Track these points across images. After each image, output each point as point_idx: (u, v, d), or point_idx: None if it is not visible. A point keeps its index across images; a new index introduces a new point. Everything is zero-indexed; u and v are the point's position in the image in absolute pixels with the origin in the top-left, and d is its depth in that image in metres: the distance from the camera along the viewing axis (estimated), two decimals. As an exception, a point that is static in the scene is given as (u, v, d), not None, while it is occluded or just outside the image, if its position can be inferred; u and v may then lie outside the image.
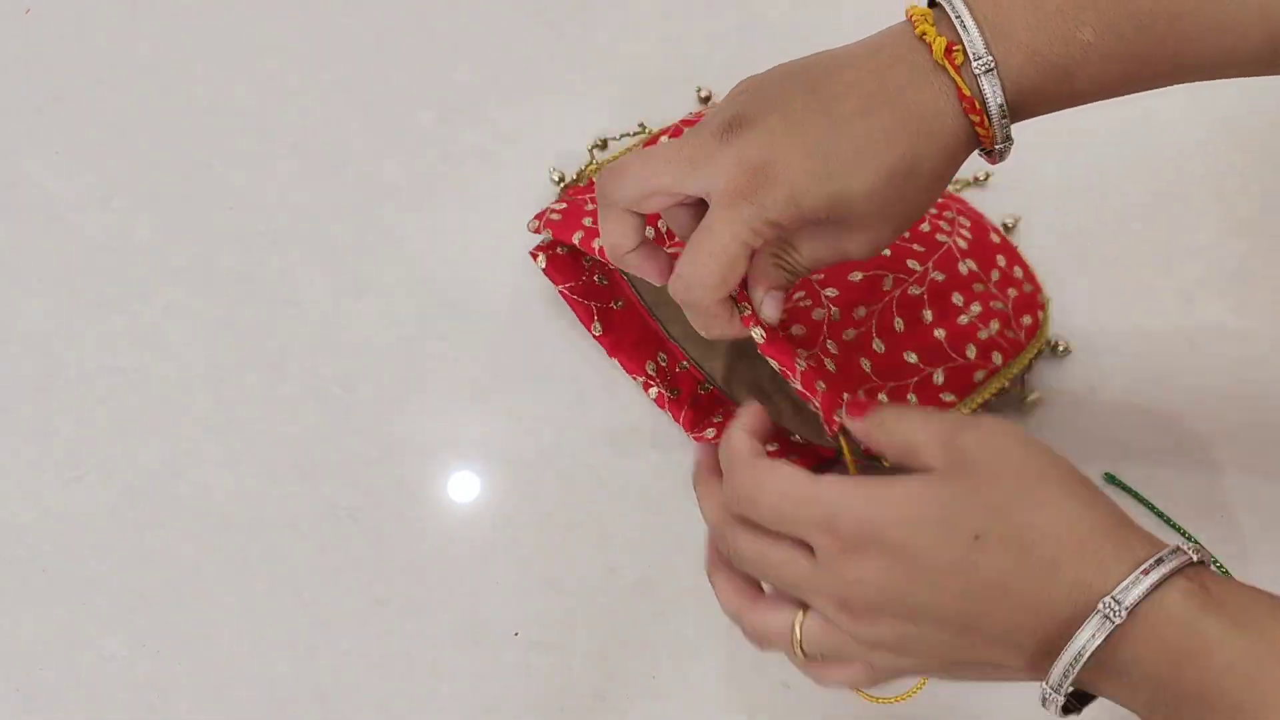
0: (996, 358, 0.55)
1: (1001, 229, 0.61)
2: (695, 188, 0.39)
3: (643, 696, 0.51)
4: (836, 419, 0.42)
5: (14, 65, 0.66)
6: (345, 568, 0.53)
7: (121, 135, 0.64)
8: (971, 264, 0.56)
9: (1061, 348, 0.58)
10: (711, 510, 0.42)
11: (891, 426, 0.39)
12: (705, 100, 0.65)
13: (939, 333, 0.54)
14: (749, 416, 0.41)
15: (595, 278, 0.57)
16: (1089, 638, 0.34)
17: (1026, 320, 0.57)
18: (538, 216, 0.56)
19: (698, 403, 0.56)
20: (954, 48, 0.39)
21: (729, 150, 0.39)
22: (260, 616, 0.52)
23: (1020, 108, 0.40)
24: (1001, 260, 0.58)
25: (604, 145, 0.64)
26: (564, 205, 0.56)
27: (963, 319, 0.55)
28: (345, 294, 0.60)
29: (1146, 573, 0.34)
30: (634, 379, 0.57)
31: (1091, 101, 0.41)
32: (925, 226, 0.56)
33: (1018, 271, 0.58)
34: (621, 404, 0.57)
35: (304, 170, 0.64)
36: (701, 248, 0.39)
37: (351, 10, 0.69)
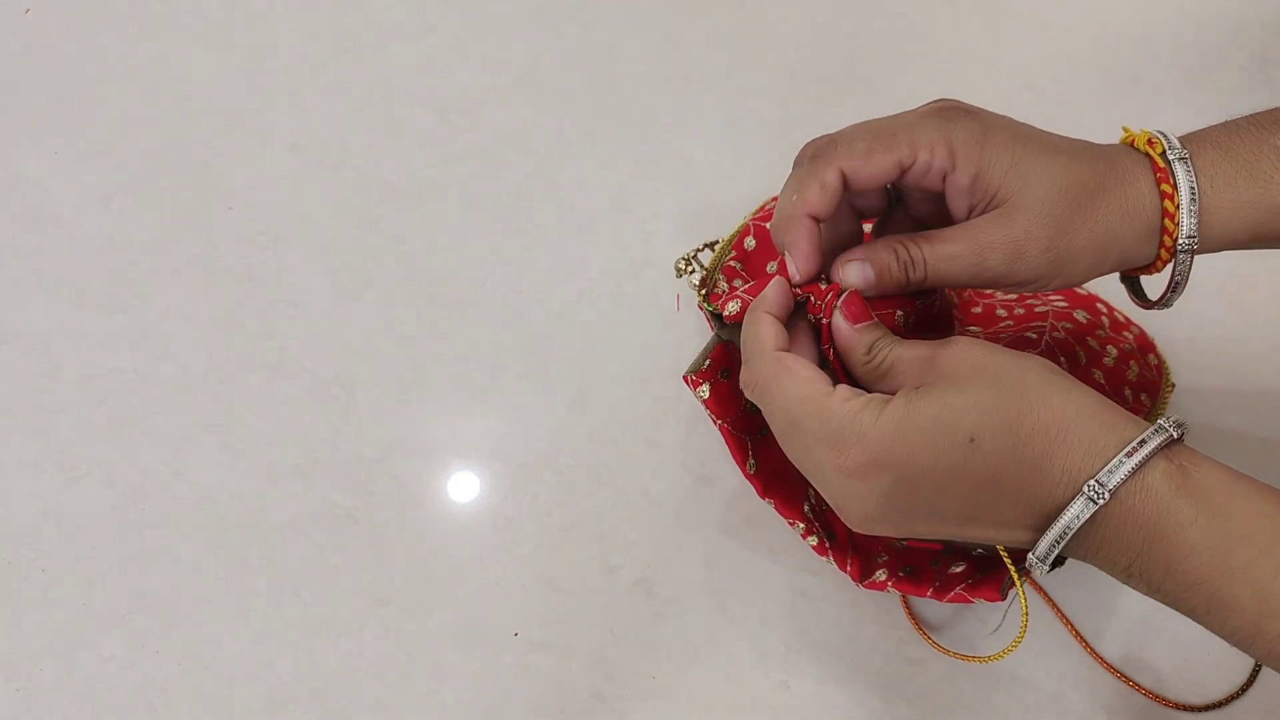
0: (1145, 399, 0.54)
1: None
2: (904, 137, 0.41)
3: (643, 696, 0.51)
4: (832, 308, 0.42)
5: (14, 65, 0.66)
6: (345, 568, 0.53)
7: (121, 135, 0.64)
8: (1083, 314, 0.55)
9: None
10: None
11: (880, 352, 0.41)
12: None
13: (1097, 374, 0.53)
14: (772, 300, 0.42)
15: (747, 403, 0.49)
16: (1074, 516, 0.37)
17: (1153, 359, 0.56)
18: (715, 299, 0.49)
19: (859, 547, 0.51)
20: (1154, 140, 0.42)
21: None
22: (260, 616, 0.52)
23: (1214, 208, 0.42)
24: (1102, 308, 0.56)
25: (694, 257, 0.56)
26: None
27: (1108, 360, 0.54)
28: (345, 294, 0.60)
29: (1130, 454, 0.36)
30: (791, 525, 0.50)
31: None
32: (1020, 310, 0.55)
33: (1119, 315, 0.57)
34: (622, 404, 0.57)
35: (304, 170, 0.64)
36: (854, 139, 0.41)
37: (351, 10, 0.69)
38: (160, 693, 0.51)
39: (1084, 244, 0.41)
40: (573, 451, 0.56)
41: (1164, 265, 0.43)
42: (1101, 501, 0.36)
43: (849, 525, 0.41)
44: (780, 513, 0.50)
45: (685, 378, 0.48)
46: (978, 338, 0.50)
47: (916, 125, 0.41)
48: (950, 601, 0.48)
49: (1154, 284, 0.46)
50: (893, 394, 0.39)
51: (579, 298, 0.60)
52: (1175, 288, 0.44)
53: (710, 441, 0.56)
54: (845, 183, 0.41)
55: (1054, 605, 0.53)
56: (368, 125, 0.65)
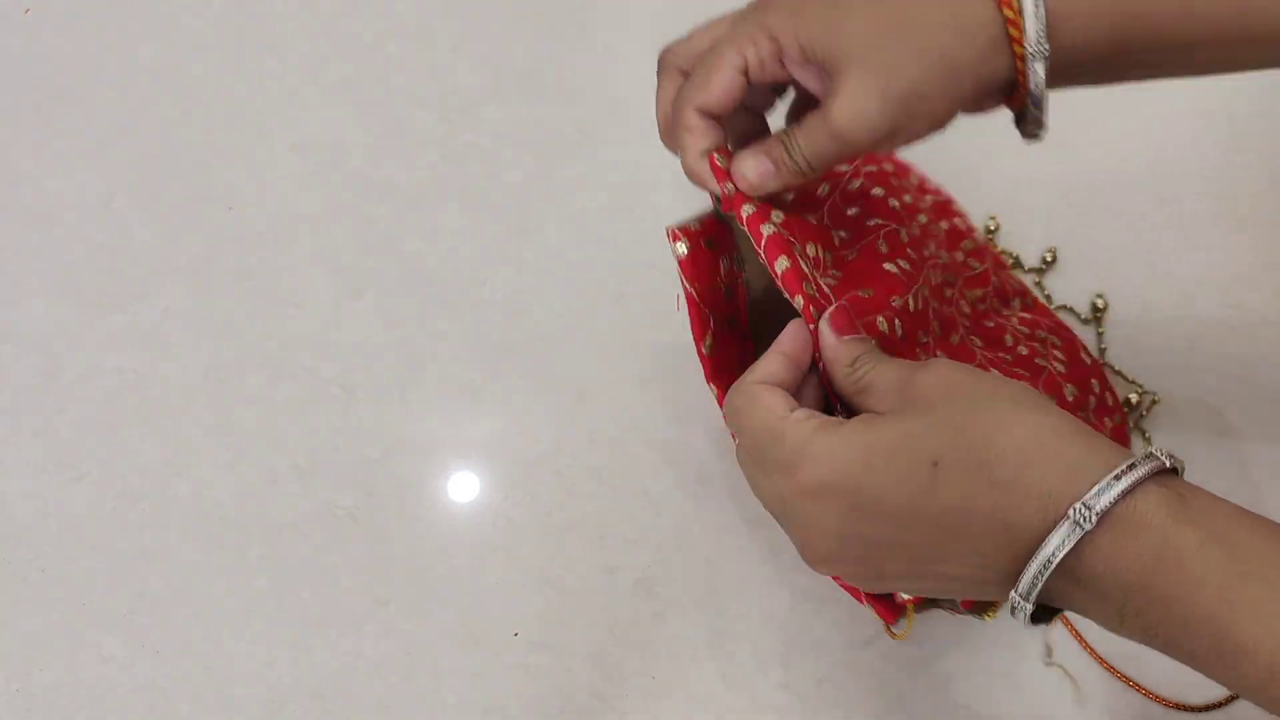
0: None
1: (984, 231, 0.61)
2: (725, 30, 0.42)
3: (643, 696, 0.51)
4: (813, 319, 0.41)
5: (14, 65, 0.66)
6: (345, 568, 0.53)
7: (121, 135, 0.64)
8: (1073, 389, 0.54)
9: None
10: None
11: (862, 368, 0.39)
12: None
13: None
14: (787, 342, 0.41)
15: (724, 288, 0.49)
16: (1058, 544, 0.33)
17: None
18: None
19: None
20: None
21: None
22: (260, 616, 0.52)
23: (1065, 14, 0.39)
24: (1095, 385, 0.56)
25: None
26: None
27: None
28: (345, 294, 0.60)
29: (1119, 477, 0.33)
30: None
31: (1162, 42, 0.40)
32: (1023, 349, 0.54)
33: (1109, 399, 0.56)
34: (621, 404, 0.57)
35: (304, 170, 0.64)
36: (701, 60, 0.42)
37: (351, 10, 0.69)
38: (160, 693, 0.51)
39: (920, 75, 0.39)
40: (573, 451, 0.56)
41: (1025, 83, 0.40)
42: (1089, 527, 0.32)
43: (811, 566, 0.39)
44: (719, 401, 0.48)
45: (669, 229, 0.45)
46: (978, 357, 0.50)
47: (735, 31, 0.42)
48: (842, 586, 0.46)
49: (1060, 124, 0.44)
50: (865, 407, 0.38)
51: (579, 298, 0.60)
52: (1037, 103, 0.40)
53: (710, 441, 0.56)
54: (711, 115, 0.42)
55: None
56: (368, 125, 0.65)
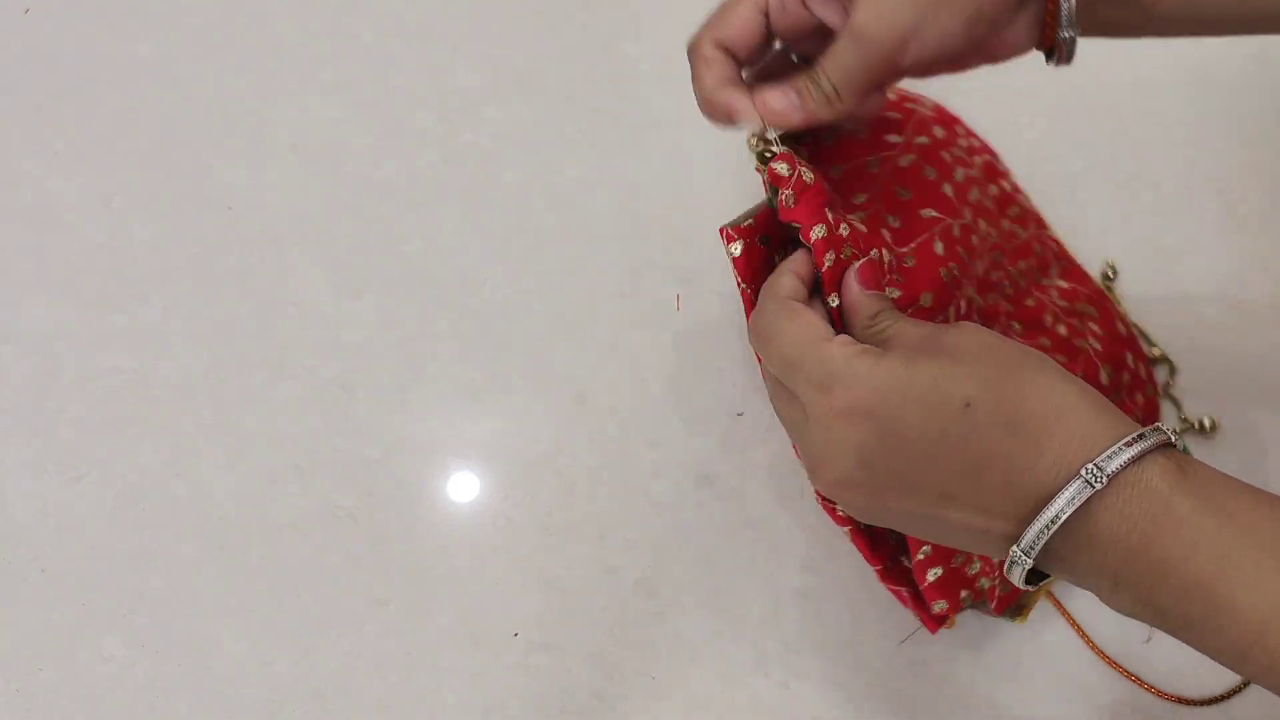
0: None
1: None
2: None
3: (643, 696, 0.51)
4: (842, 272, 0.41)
5: (14, 65, 0.66)
6: (345, 568, 0.53)
7: (121, 135, 0.64)
8: (1109, 370, 0.54)
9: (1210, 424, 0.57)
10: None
11: (883, 322, 0.40)
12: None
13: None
14: (799, 262, 0.42)
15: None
16: (1068, 500, 0.34)
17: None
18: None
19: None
20: None
21: None
22: (260, 616, 0.52)
23: None
24: (1130, 359, 0.56)
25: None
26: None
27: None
28: (345, 294, 0.60)
29: (1129, 445, 0.35)
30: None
31: None
32: (1062, 329, 0.54)
33: (1142, 371, 0.57)
34: (621, 404, 0.57)
35: (304, 170, 0.64)
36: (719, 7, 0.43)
37: (351, 10, 0.69)
38: (160, 692, 0.51)
39: None
40: (573, 451, 0.56)
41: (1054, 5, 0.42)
42: (1099, 486, 0.34)
43: (818, 486, 0.40)
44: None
45: (722, 230, 0.45)
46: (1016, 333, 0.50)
47: None
48: (888, 588, 0.47)
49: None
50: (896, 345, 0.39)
51: (579, 298, 0.60)
52: (1067, 48, 0.43)
53: (710, 441, 0.56)
54: (729, 52, 0.43)
55: (1055, 601, 0.53)
56: (368, 125, 0.65)
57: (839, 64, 0.41)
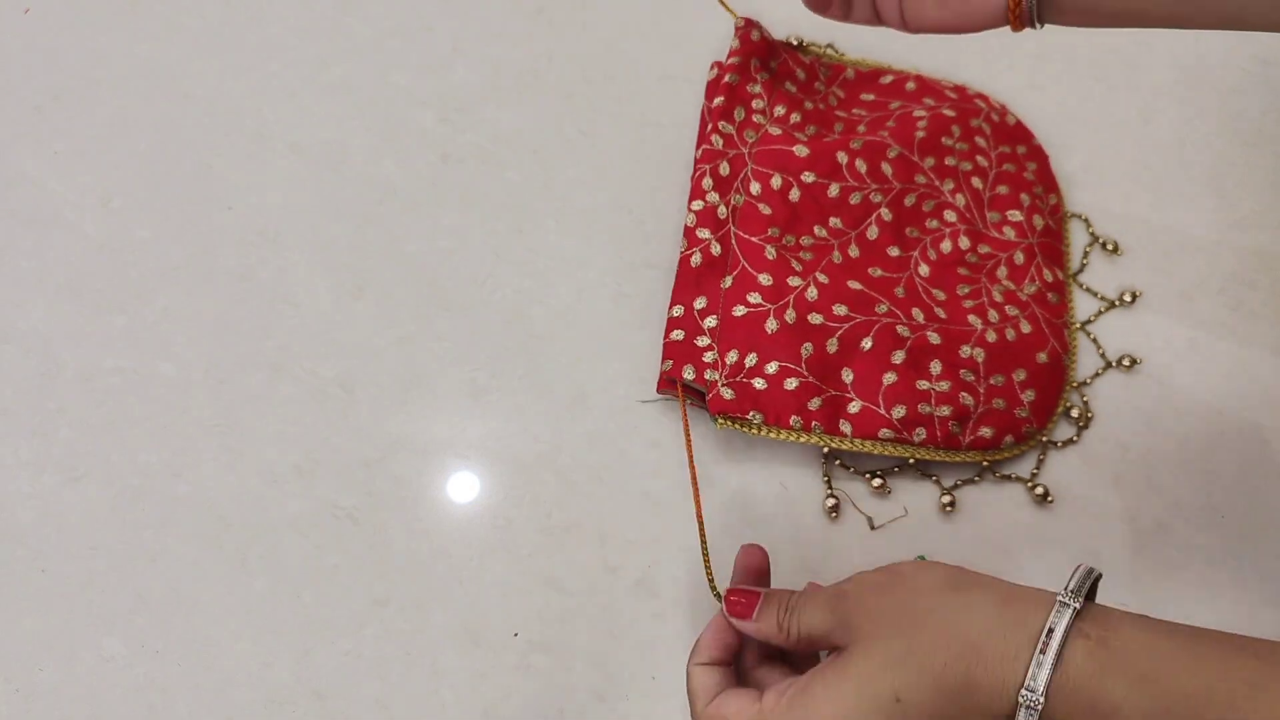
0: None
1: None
2: None
3: (643, 696, 0.51)
4: (716, 592, 0.48)
5: (14, 65, 0.66)
6: (345, 568, 0.53)
7: (121, 135, 0.64)
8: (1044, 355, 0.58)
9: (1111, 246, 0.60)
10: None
11: (789, 624, 0.43)
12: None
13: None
14: (711, 636, 0.46)
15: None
16: None
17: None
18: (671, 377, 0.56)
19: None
20: None
21: None
22: (260, 616, 0.52)
23: None
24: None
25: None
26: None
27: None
28: (345, 294, 0.60)
29: (1044, 650, 0.37)
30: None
31: None
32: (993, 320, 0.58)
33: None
34: (621, 404, 0.57)
35: (304, 170, 0.64)
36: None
37: (351, 10, 0.69)
38: (160, 692, 0.51)
39: None
40: (573, 451, 0.56)
41: None
42: (1040, 706, 0.37)
43: None
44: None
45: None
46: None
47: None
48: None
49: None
50: (819, 647, 0.43)
51: (579, 298, 0.60)
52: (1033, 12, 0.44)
53: (710, 442, 0.56)
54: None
55: None
56: (368, 125, 0.65)
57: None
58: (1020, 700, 0.37)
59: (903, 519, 0.55)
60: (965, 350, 0.55)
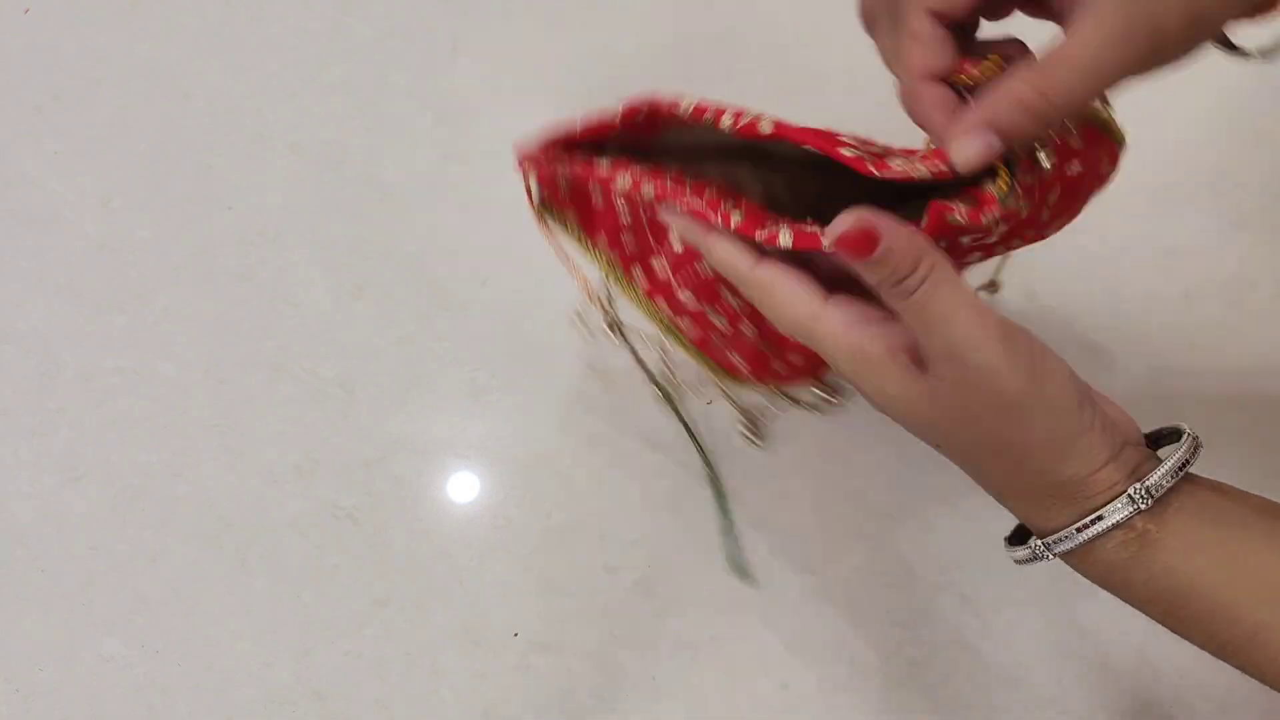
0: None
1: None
2: None
3: (643, 696, 0.51)
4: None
5: (14, 65, 0.66)
6: (345, 568, 0.53)
7: (121, 135, 0.64)
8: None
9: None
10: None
11: (913, 284, 0.35)
12: None
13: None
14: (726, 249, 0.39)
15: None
16: (1023, 558, 0.38)
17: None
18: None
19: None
20: None
21: None
22: (260, 616, 0.52)
23: None
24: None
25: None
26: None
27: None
28: (345, 294, 0.60)
29: (1081, 530, 0.36)
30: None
31: None
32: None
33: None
34: (621, 404, 0.57)
35: (304, 170, 0.64)
36: None
37: (351, 10, 0.69)
38: (160, 692, 0.51)
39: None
40: (573, 451, 0.56)
41: None
42: (1048, 559, 0.37)
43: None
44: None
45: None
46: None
47: None
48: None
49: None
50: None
51: (579, 298, 0.60)
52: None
53: (710, 442, 0.56)
54: (944, 21, 0.35)
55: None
56: (368, 125, 0.65)
57: (1084, 87, 0.34)
58: (1030, 545, 0.38)
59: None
60: None
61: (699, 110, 0.41)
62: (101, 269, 0.60)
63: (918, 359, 0.36)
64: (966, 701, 0.51)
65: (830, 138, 0.38)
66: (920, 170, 0.35)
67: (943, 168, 0.35)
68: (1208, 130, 0.66)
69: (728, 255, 0.38)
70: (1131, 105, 0.67)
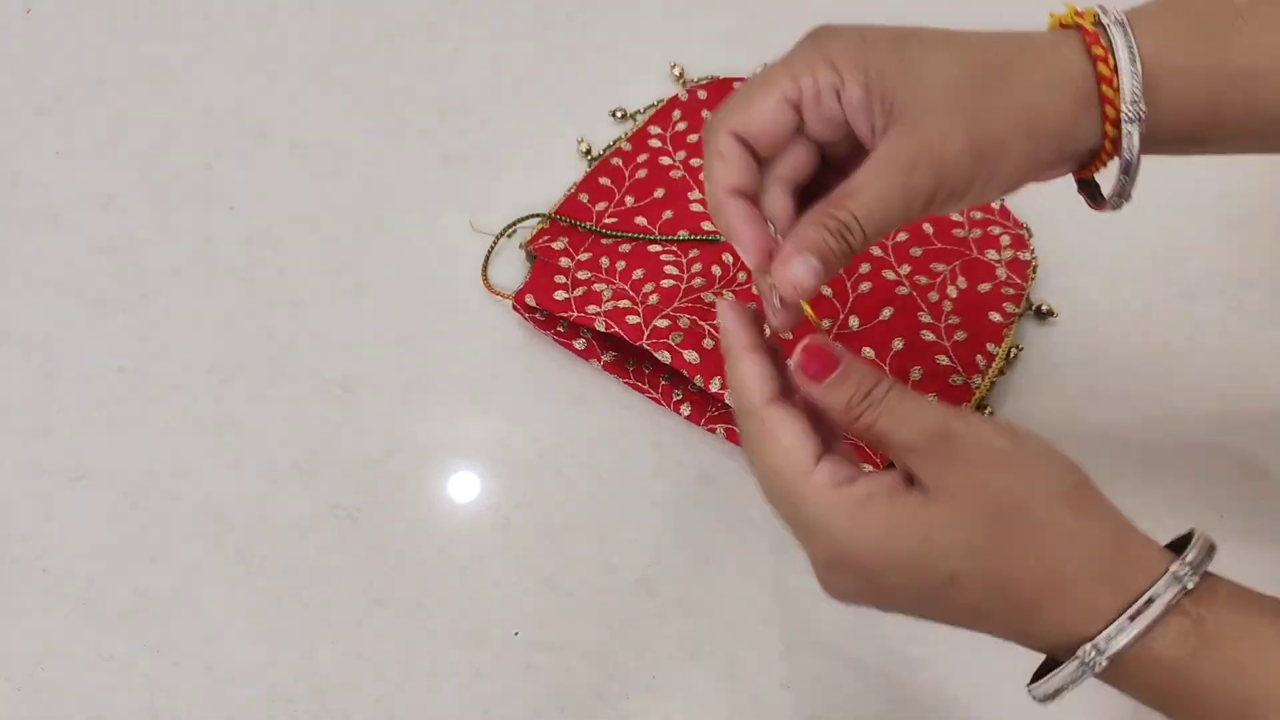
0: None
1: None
2: (780, 75, 0.37)
3: (643, 696, 0.51)
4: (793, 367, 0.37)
5: (14, 65, 0.66)
6: (345, 568, 0.53)
7: (122, 136, 0.64)
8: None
9: (1047, 308, 0.59)
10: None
11: (865, 412, 0.35)
12: (679, 77, 0.66)
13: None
14: (734, 321, 0.37)
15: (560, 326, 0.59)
16: (1066, 678, 0.34)
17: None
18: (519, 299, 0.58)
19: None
20: (1084, 11, 0.37)
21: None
22: (260, 616, 0.52)
23: (1163, 74, 0.36)
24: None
25: (625, 115, 0.65)
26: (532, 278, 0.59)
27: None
28: (345, 294, 0.60)
29: (1135, 618, 0.33)
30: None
31: (1262, 105, 0.37)
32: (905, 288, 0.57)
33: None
34: (621, 404, 0.57)
35: (304, 170, 0.64)
36: (748, 82, 0.37)
37: (352, 10, 0.69)
38: (161, 691, 0.51)
39: (1008, 127, 0.35)
40: (573, 451, 0.56)
41: (1113, 148, 0.37)
42: (1097, 669, 0.33)
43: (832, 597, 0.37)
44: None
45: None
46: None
47: (792, 56, 0.37)
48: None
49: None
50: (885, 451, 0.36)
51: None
52: (1127, 170, 0.37)
53: (710, 441, 0.56)
54: (748, 145, 0.37)
55: None
56: (368, 125, 0.65)
57: (878, 204, 0.35)
58: (1079, 654, 0.33)
59: None
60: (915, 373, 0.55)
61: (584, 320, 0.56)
62: (102, 269, 0.60)
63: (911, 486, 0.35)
64: (967, 701, 0.51)
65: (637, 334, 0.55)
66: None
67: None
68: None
69: (747, 378, 0.37)
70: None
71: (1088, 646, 0.33)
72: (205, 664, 0.51)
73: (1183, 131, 0.37)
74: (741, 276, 0.57)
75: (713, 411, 0.56)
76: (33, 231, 0.61)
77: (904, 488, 0.35)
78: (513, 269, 0.61)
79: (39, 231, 0.61)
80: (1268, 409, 0.58)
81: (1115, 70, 0.35)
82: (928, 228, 0.60)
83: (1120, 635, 0.33)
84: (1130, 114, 0.36)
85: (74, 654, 0.52)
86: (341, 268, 0.61)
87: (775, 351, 0.38)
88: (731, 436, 0.55)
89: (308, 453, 0.56)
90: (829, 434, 0.37)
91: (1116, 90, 0.36)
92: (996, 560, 0.33)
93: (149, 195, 0.63)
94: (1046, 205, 0.62)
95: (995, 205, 0.61)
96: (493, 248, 0.60)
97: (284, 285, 0.60)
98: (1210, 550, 0.35)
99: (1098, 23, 0.36)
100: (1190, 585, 0.33)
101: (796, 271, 0.35)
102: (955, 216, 0.60)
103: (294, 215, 0.62)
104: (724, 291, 0.56)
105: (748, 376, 0.37)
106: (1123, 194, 0.38)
